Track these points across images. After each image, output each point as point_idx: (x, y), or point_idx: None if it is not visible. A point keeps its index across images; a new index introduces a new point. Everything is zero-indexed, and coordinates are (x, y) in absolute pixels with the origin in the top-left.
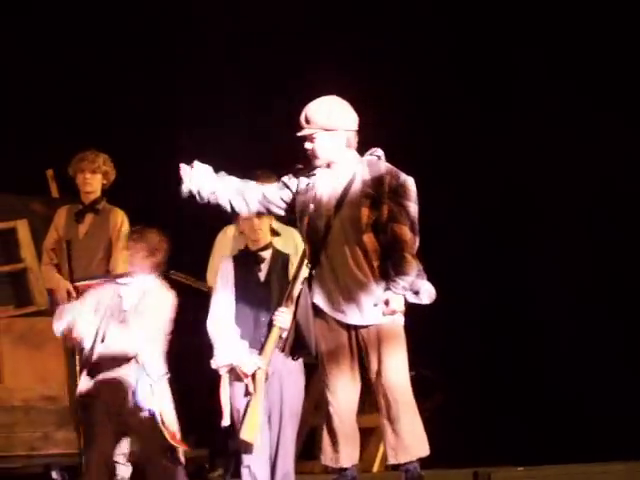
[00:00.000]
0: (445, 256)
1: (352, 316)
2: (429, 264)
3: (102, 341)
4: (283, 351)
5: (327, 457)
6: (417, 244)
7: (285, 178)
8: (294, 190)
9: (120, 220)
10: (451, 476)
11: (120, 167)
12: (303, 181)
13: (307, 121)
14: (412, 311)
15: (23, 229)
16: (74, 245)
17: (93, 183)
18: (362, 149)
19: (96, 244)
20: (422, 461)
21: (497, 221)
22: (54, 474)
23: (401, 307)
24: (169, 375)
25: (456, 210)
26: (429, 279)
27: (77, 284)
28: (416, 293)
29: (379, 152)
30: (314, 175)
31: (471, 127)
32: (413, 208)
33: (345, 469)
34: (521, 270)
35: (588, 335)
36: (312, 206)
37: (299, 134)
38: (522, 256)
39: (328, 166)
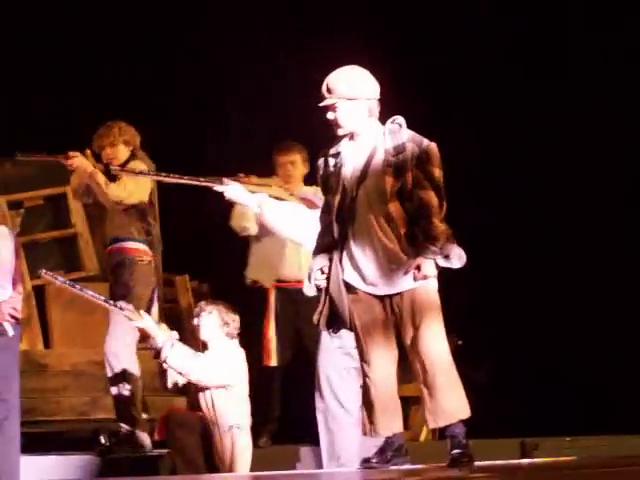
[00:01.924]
0: (494, 230)
1: (383, 287)
2: (488, 236)
3: None
4: (318, 324)
5: (366, 428)
6: (444, 209)
7: (319, 177)
8: (327, 176)
9: (134, 166)
10: (499, 446)
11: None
12: (330, 162)
13: (329, 91)
14: (461, 283)
15: (73, 198)
16: (108, 211)
17: (118, 156)
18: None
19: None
20: (469, 430)
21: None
22: (102, 439)
23: (433, 272)
24: None
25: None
26: (480, 251)
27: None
28: (447, 257)
29: (400, 120)
30: (339, 153)
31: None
32: (438, 173)
33: (390, 438)
34: (568, 242)
35: (635, 304)
36: (340, 184)
37: (321, 104)
38: (566, 225)
39: (351, 138)
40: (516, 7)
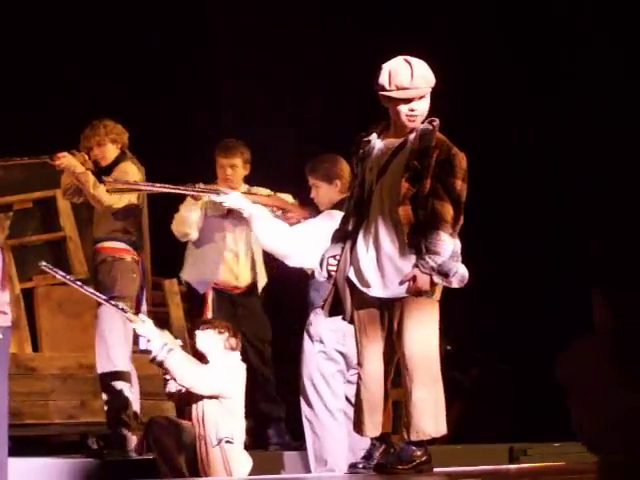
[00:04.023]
0: (482, 232)
1: (377, 289)
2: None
3: None
4: (323, 309)
5: (355, 427)
6: (459, 224)
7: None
8: (355, 163)
9: (125, 169)
10: (487, 451)
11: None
12: (360, 150)
13: (418, 80)
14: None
15: (63, 198)
16: (95, 212)
17: (106, 155)
18: None
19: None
20: (458, 436)
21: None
22: (90, 442)
23: (426, 286)
24: None
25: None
26: (465, 254)
27: (100, 245)
28: (446, 275)
29: (435, 122)
30: (369, 141)
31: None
32: (459, 185)
33: (376, 441)
34: (558, 246)
35: None
36: (361, 175)
37: (415, 94)
38: (561, 235)
39: (384, 129)
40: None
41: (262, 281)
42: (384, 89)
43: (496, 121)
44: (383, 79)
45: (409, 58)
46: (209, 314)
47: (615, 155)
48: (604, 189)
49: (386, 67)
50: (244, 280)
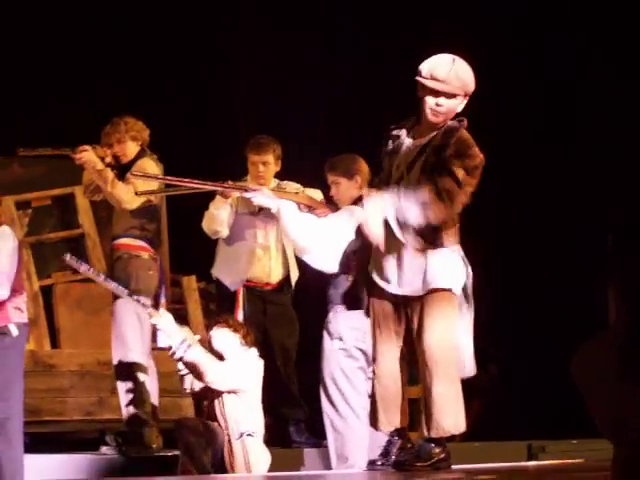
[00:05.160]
0: (500, 230)
1: (395, 285)
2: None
3: None
4: (342, 303)
5: (370, 421)
6: (452, 211)
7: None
8: (383, 157)
9: (144, 166)
10: (505, 448)
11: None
12: (389, 144)
13: (453, 78)
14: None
15: (81, 195)
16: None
17: (126, 152)
18: None
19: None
20: (477, 433)
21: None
22: (108, 439)
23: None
24: None
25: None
26: (480, 255)
27: (117, 242)
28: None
29: (464, 121)
30: (398, 137)
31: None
32: (468, 183)
33: (393, 437)
34: (575, 242)
35: None
36: (388, 171)
37: (442, 87)
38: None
39: (414, 125)
40: None
41: (294, 274)
42: (420, 74)
43: (502, 119)
44: (422, 65)
45: (456, 57)
46: (240, 312)
47: (627, 150)
48: (616, 184)
49: (432, 57)
50: (276, 276)
